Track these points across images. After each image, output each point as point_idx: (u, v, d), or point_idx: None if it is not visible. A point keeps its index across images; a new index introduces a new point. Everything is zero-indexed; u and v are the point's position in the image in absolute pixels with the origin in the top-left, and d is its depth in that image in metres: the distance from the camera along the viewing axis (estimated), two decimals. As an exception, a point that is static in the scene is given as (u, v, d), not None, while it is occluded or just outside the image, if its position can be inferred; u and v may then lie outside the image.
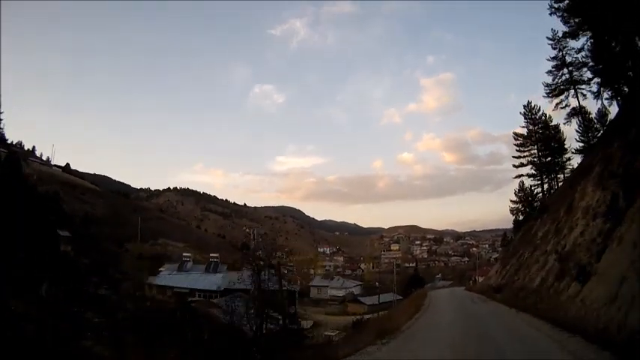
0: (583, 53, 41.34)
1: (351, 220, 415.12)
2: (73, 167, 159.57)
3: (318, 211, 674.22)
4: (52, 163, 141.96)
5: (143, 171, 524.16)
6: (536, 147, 58.28)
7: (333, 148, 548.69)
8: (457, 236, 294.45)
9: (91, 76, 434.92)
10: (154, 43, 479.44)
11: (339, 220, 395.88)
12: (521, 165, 59.75)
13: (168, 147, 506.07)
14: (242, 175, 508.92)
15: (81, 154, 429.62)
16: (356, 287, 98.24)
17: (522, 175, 60.36)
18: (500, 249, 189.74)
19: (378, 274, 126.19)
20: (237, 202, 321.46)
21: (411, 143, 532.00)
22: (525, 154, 59.41)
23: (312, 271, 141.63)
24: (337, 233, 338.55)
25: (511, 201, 63.76)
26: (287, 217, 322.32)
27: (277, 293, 49.62)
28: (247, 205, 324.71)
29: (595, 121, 48.06)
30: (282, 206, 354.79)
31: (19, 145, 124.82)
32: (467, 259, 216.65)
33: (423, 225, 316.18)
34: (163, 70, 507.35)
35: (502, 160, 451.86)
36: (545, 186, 59.25)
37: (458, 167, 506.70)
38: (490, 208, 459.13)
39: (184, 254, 64.27)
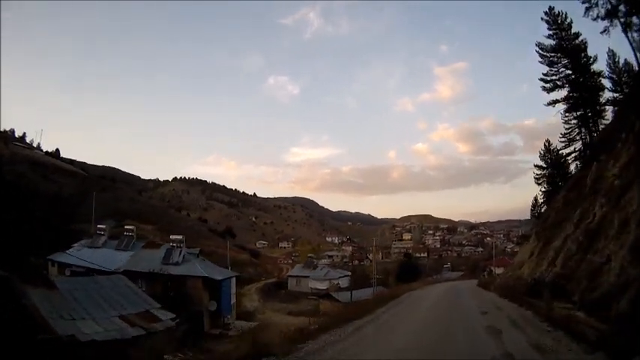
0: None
1: (365, 211, 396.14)
2: (82, 159, 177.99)
3: (333, 202, 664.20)
4: (43, 148, 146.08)
5: (157, 164, 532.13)
6: (570, 65, 39.86)
7: (347, 138, 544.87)
8: (471, 226, 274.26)
9: (102, 69, 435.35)
10: (164, 37, 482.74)
11: (353, 210, 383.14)
12: (555, 87, 40.92)
13: (183, 140, 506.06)
14: (256, 167, 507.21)
15: (92, 147, 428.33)
16: (343, 278, 76.65)
17: (557, 102, 41.75)
18: (518, 236, 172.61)
19: (366, 265, 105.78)
20: (246, 192, 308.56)
21: (425, 133, 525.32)
22: (554, 76, 40.90)
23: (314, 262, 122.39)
24: (350, 223, 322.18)
25: (535, 166, 49.55)
26: (296, 207, 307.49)
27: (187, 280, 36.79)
28: (258, 195, 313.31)
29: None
30: (296, 197, 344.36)
31: (11, 131, 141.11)
32: (481, 249, 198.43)
33: (437, 215, 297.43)
34: (177, 64, 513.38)
35: (515, 150, 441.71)
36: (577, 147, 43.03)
37: (472, 158, 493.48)
38: (503, 200, 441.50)
39: (99, 226, 46.76)
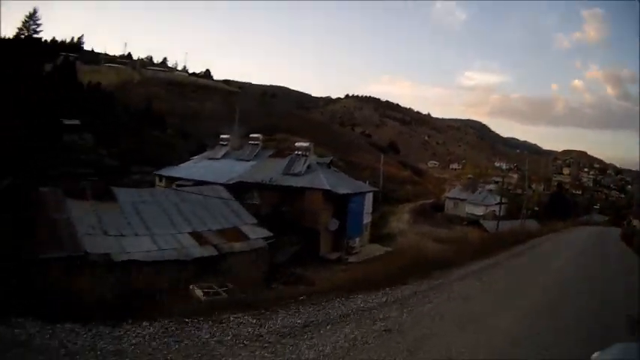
0: None
1: (532, 140, 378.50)
2: (249, 80, 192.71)
3: (504, 128, 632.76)
4: (188, 70, 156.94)
5: (330, 83, 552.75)
6: None
7: (515, 67, 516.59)
8: (617, 171, 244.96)
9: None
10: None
11: (522, 139, 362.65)
12: None
13: (356, 60, 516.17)
14: (431, 87, 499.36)
15: (264, 68, 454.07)
16: (498, 206, 67.82)
17: None
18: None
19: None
20: (420, 111, 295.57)
21: (581, 71, 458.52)
22: None
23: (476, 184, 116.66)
24: (518, 151, 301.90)
25: None
26: (468, 129, 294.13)
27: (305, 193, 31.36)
28: (431, 115, 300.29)
29: None
30: (469, 119, 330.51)
31: (148, 58, 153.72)
32: (623, 195, 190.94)
33: (591, 154, 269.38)
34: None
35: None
36: None
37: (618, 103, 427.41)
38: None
39: (222, 136, 43.07)
